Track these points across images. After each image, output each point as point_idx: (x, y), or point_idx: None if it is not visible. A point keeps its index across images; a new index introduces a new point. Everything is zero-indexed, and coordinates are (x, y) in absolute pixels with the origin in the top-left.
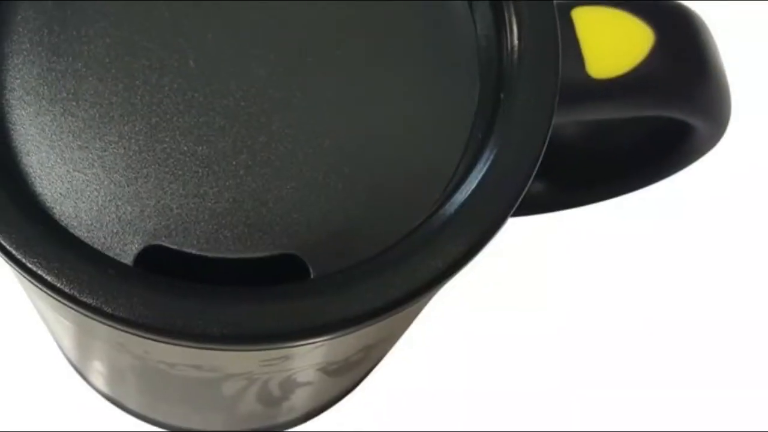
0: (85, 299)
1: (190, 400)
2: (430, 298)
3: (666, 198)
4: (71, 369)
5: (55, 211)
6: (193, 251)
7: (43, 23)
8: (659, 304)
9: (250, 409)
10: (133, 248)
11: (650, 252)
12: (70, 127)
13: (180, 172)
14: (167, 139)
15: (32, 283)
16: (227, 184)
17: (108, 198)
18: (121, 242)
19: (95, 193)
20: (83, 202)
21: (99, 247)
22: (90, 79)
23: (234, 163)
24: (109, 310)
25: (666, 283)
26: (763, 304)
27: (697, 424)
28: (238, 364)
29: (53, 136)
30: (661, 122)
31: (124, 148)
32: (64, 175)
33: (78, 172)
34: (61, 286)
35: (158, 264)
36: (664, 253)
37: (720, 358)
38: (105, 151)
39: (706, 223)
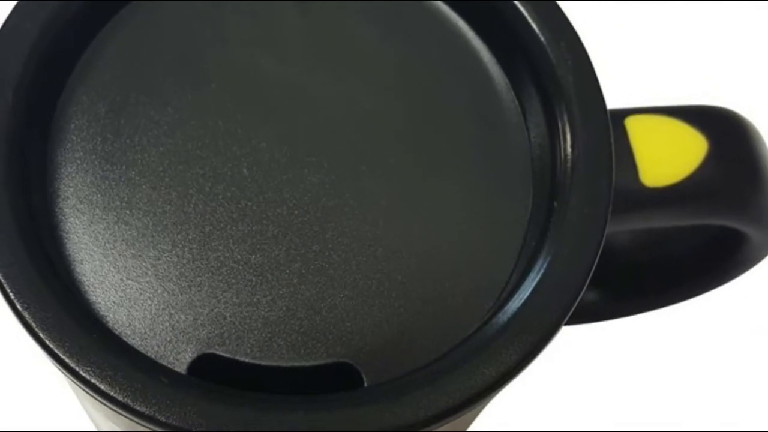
0: (138, 408)
1: None
2: (485, 405)
3: (720, 306)
4: None
5: (108, 319)
6: (247, 360)
7: (97, 131)
8: (717, 409)
9: None
10: (187, 356)
11: (705, 359)
12: (123, 235)
13: (233, 281)
14: (220, 248)
15: (85, 391)
16: (281, 292)
17: (161, 306)
18: (175, 350)
19: (149, 302)
20: (137, 311)
21: (152, 356)
22: (143, 187)
23: (287, 271)
24: (163, 419)
25: (723, 391)
26: None
27: None
28: None
29: (107, 245)
30: (714, 231)
31: (178, 257)
32: (117, 284)
33: (131, 280)
34: (115, 395)
35: (212, 372)
36: (720, 360)
37: None
38: (158, 259)
39: (759, 332)
